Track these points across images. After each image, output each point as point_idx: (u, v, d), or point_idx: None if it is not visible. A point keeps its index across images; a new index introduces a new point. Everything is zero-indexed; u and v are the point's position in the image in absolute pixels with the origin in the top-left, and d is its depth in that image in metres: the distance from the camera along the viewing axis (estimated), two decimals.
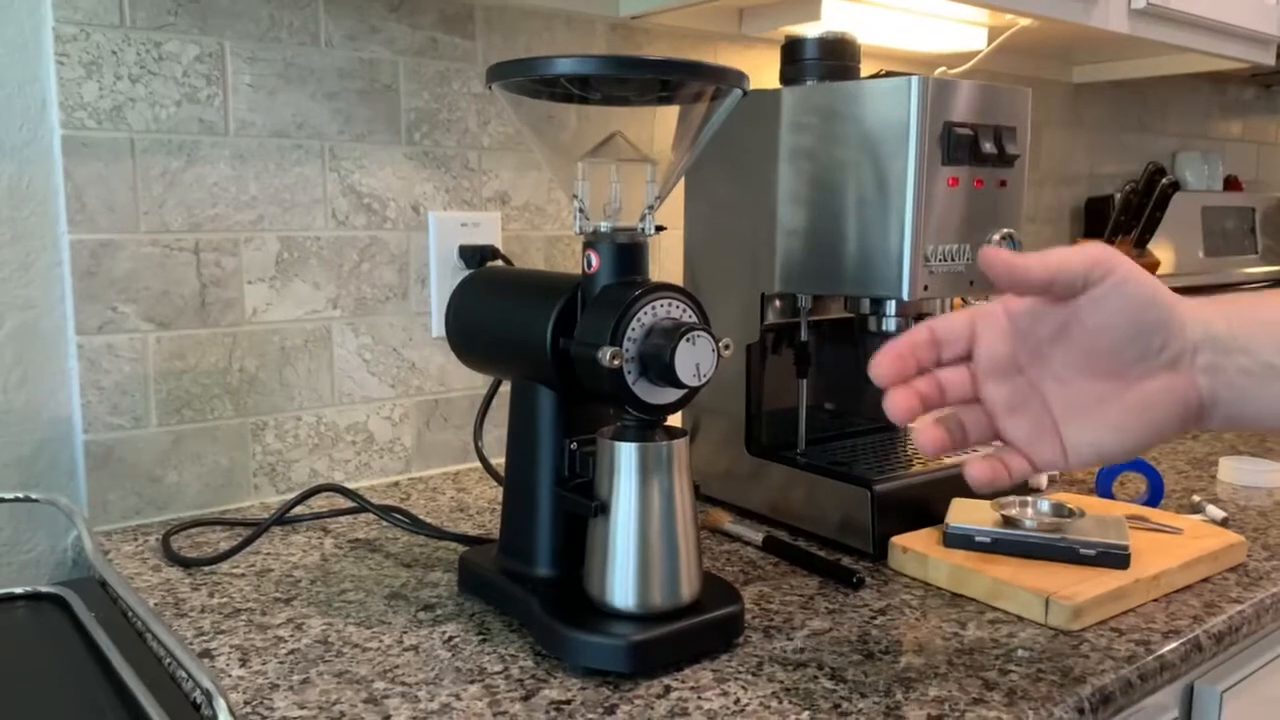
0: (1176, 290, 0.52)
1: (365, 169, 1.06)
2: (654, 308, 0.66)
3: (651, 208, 0.70)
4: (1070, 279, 0.51)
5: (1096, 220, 1.91)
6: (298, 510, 0.96)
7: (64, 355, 0.91)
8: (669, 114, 0.72)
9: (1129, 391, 0.51)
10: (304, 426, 1.04)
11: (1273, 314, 0.51)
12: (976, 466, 0.55)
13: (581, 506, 0.69)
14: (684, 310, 0.67)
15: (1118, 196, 1.66)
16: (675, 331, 0.64)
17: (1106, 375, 0.52)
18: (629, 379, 0.65)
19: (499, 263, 1.13)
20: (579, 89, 0.70)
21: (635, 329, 0.65)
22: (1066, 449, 0.53)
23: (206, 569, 0.84)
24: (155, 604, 0.76)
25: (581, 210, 0.70)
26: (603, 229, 0.69)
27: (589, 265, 0.69)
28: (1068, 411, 0.53)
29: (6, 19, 0.86)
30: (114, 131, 0.90)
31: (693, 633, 0.67)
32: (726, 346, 0.67)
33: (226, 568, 0.84)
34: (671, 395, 0.67)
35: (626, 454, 0.67)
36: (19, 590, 0.79)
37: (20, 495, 0.81)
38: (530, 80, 0.67)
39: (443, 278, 1.11)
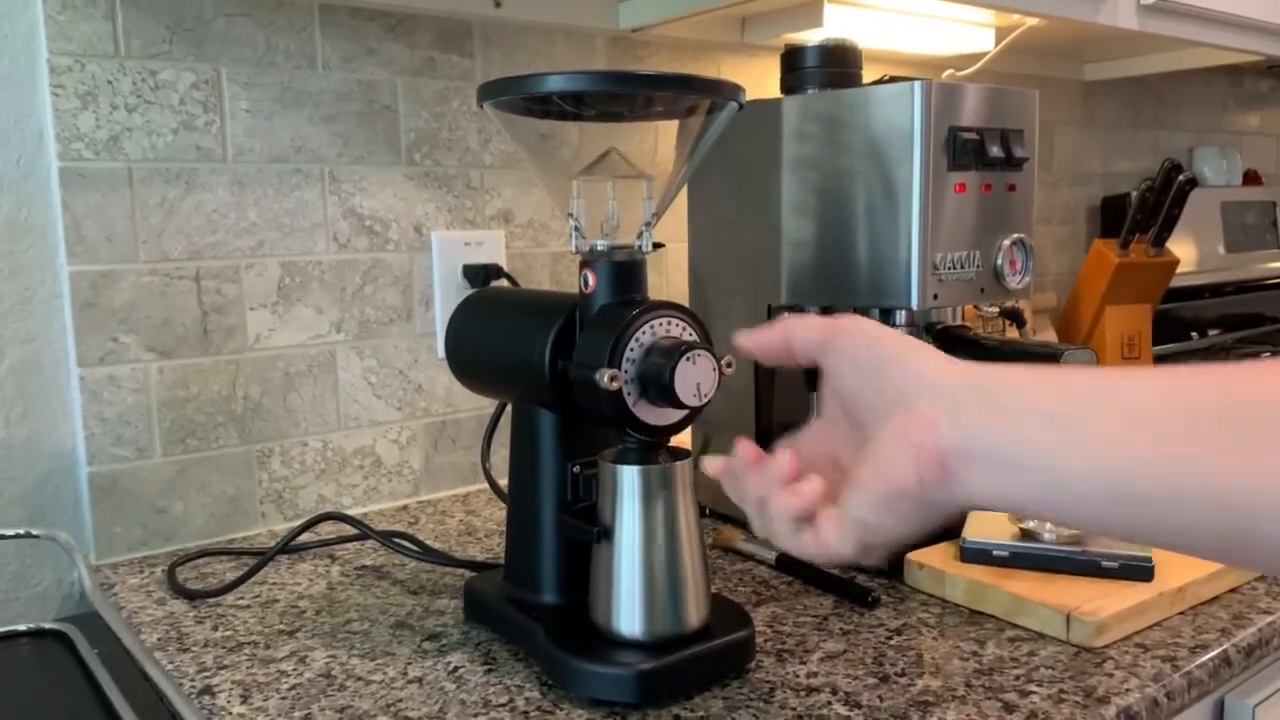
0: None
1: (366, 191, 1.05)
2: (653, 326, 0.64)
3: (649, 224, 0.68)
4: (806, 343, 0.50)
5: (1113, 219, 1.88)
6: (305, 537, 0.95)
7: (66, 387, 0.91)
8: (665, 129, 0.70)
9: (869, 443, 0.46)
10: (310, 452, 1.03)
11: (1036, 371, 0.43)
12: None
13: (584, 532, 0.67)
14: (684, 328, 0.66)
15: (1134, 195, 1.63)
16: (675, 350, 0.62)
17: (861, 429, 0.48)
18: (629, 400, 0.63)
19: (503, 282, 1.12)
20: (573, 106, 0.68)
21: (634, 349, 0.63)
22: (840, 527, 0.47)
23: (211, 601, 0.83)
24: (158, 639, 0.75)
25: (577, 229, 0.68)
26: (599, 247, 0.68)
27: (585, 285, 0.67)
28: (841, 487, 0.48)
29: (1, 52, 0.85)
30: (111, 162, 0.90)
31: (702, 660, 0.65)
32: (729, 364, 0.66)
33: (231, 599, 0.83)
34: (673, 416, 0.65)
35: (628, 477, 0.65)
36: (23, 627, 0.79)
37: (21, 531, 0.80)
38: (523, 98, 0.66)
39: (447, 298, 1.10)
